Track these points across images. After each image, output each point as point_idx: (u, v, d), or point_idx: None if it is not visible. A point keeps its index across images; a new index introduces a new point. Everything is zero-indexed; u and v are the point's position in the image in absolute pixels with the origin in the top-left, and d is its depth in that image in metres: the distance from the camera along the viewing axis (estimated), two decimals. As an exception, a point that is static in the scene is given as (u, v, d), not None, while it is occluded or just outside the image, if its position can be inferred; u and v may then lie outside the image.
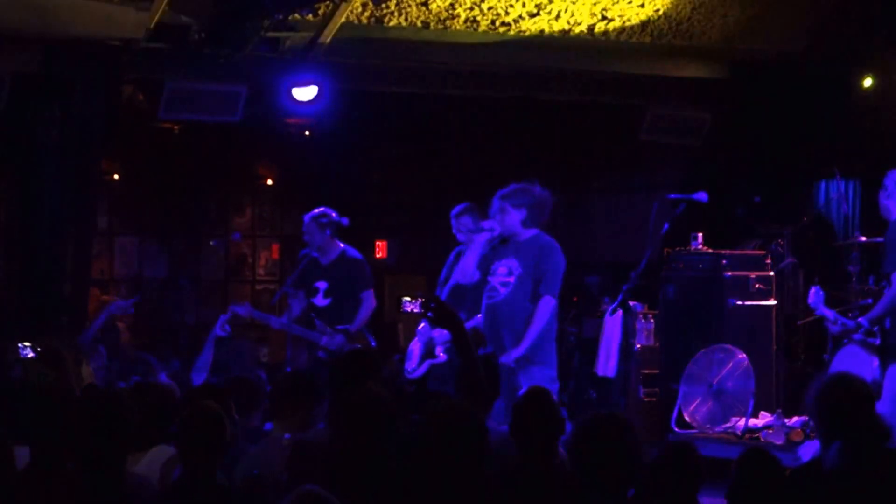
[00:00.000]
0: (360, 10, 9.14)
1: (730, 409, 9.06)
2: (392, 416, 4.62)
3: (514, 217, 7.99)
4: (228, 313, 9.01)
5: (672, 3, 9.68)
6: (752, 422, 8.90)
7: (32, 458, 4.44)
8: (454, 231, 8.73)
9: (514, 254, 8.00)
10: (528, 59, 10.06)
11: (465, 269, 8.18)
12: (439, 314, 5.39)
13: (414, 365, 8.76)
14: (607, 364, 10.35)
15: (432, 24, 9.31)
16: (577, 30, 9.60)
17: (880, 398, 7.36)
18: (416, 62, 10.02)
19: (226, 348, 10.56)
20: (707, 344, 9.37)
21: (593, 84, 10.78)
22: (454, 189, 12.24)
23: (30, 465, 4.43)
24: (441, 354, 8.73)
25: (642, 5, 9.59)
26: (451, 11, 9.28)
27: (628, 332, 10.09)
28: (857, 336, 7.98)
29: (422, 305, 5.46)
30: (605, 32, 9.63)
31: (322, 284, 9.25)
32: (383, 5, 9.03)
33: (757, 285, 9.68)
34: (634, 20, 9.65)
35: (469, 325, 8.25)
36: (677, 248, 10.01)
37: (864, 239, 8.97)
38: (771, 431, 8.64)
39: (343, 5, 8.90)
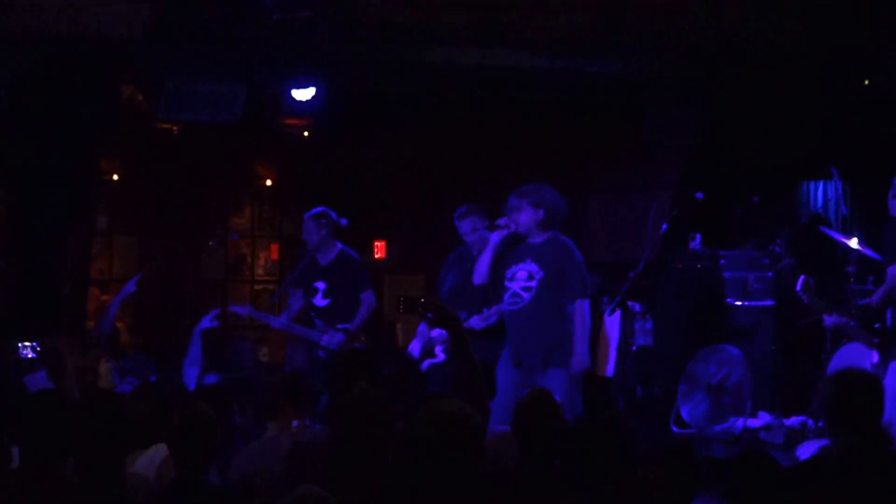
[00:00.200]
0: (359, 9, 9.16)
1: (728, 409, 9.08)
2: (389, 416, 4.64)
3: (531, 216, 7.89)
4: (217, 310, 9.01)
5: (671, 3, 9.70)
6: (751, 422, 8.93)
7: (22, 459, 4.45)
8: (460, 232, 8.73)
9: (532, 257, 7.90)
10: (527, 58, 10.07)
11: (479, 269, 8.11)
12: (438, 314, 5.41)
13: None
14: (605, 364, 10.37)
15: (432, 24, 9.32)
16: (576, 30, 9.62)
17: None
18: (416, 62, 10.03)
19: (226, 348, 10.59)
20: (705, 344, 9.40)
21: (593, 84, 10.79)
22: (453, 189, 12.28)
23: (20, 465, 4.44)
24: (440, 354, 8.75)
25: (642, 6, 9.61)
26: (450, 11, 9.30)
27: (626, 332, 10.12)
28: (851, 324, 7.98)
29: (421, 306, 5.46)
30: (605, 33, 9.64)
31: (321, 285, 9.27)
32: (383, 6, 9.04)
33: (755, 285, 9.70)
34: (634, 21, 9.67)
35: (468, 324, 8.28)
36: (676, 249, 10.03)
37: (858, 247, 8.97)
38: (769, 431, 8.66)
39: (343, 5, 8.92)
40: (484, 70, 10.28)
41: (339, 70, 9.80)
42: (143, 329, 12.75)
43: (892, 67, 9.89)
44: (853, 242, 8.66)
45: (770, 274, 9.67)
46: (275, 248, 14.04)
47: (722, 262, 9.81)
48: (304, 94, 9.82)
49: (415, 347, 8.90)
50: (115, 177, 12.79)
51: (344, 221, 9.33)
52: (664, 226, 8.96)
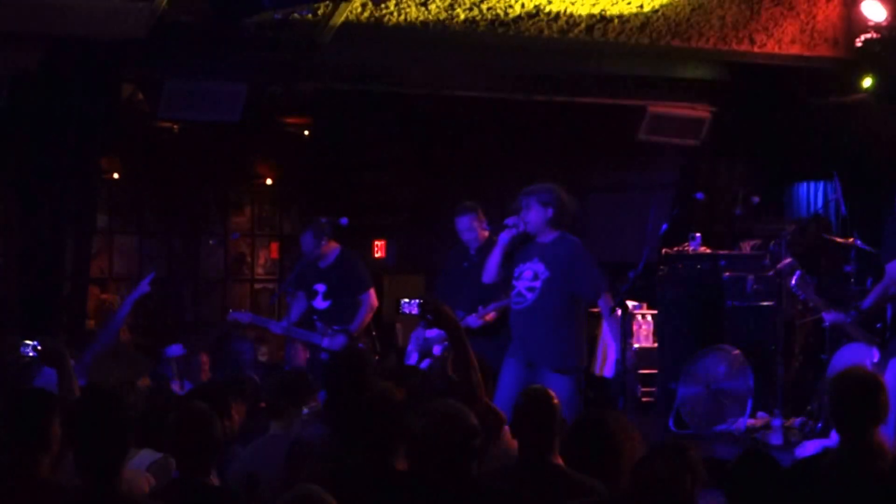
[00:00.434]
0: (359, 10, 9.15)
1: (728, 410, 9.08)
2: (396, 410, 4.63)
3: (540, 215, 7.85)
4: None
5: (671, 3, 9.70)
6: (751, 422, 8.92)
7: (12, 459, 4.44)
8: (457, 230, 8.72)
9: (539, 257, 7.88)
10: (526, 59, 10.07)
11: (489, 268, 8.09)
12: (437, 315, 5.41)
13: (412, 364, 8.78)
14: (605, 364, 10.37)
15: (432, 24, 9.31)
16: (576, 31, 9.61)
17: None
18: (416, 63, 10.02)
19: (226, 348, 10.59)
20: (705, 344, 9.39)
21: (593, 84, 10.79)
22: (453, 189, 12.28)
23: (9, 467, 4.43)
24: (439, 353, 8.75)
25: (641, 6, 9.60)
26: (450, 12, 9.29)
27: (626, 332, 10.11)
28: (848, 320, 7.97)
29: (419, 307, 5.48)
30: (605, 33, 9.63)
31: (321, 287, 9.27)
32: (383, 5, 9.03)
33: (755, 286, 9.69)
34: (633, 21, 9.67)
35: (464, 323, 8.28)
36: (676, 249, 10.03)
37: (859, 242, 8.98)
38: (769, 431, 8.66)
39: (343, 5, 8.91)
40: (484, 70, 10.28)
41: (338, 70, 9.80)
42: (143, 328, 12.74)
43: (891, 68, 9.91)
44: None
45: (770, 274, 9.67)
46: (275, 247, 14.05)
47: (722, 262, 9.81)
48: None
49: (412, 352, 8.92)
50: (116, 176, 12.79)
51: (344, 221, 9.33)
52: (664, 226, 8.96)
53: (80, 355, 7.43)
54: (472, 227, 8.67)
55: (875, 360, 7.76)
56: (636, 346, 10.44)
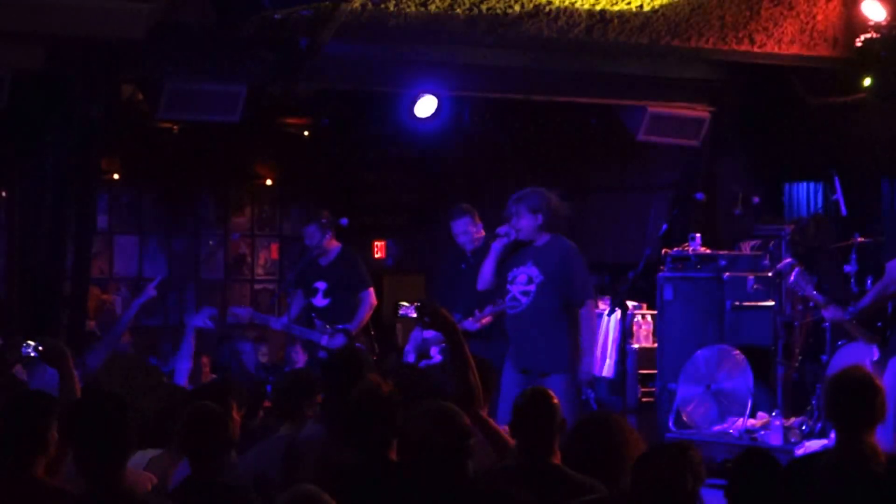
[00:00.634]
0: (359, 10, 9.15)
1: (728, 410, 9.08)
2: (385, 403, 4.64)
3: (531, 221, 7.86)
4: (212, 310, 8.96)
5: (671, 3, 9.70)
6: (750, 422, 8.92)
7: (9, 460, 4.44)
8: (453, 233, 8.73)
9: (532, 261, 7.88)
10: (526, 59, 10.07)
11: (483, 276, 8.10)
12: (434, 318, 5.41)
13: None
14: (605, 364, 10.37)
15: (431, 24, 9.31)
16: (575, 31, 9.61)
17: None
18: (415, 62, 10.03)
19: (226, 348, 10.59)
20: (705, 344, 9.39)
21: (593, 84, 10.79)
22: (453, 190, 12.29)
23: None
24: (436, 356, 8.76)
25: (641, 6, 9.60)
26: (449, 12, 9.29)
27: (626, 333, 10.13)
28: (847, 317, 7.97)
29: (417, 310, 5.47)
30: (604, 33, 9.64)
31: (321, 285, 9.28)
32: (382, 5, 9.03)
33: (755, 286, 9.69)
34: (633, 21, 9.67)
35: (462, 326, 8.28)
36: (676, 249, 10.03)
37: (861, 239, 8.97)
38: (769, 431, 8.66)
39: (343, 5, 8.91)
40: (483, 70, 10.28)
41: (338, 70, 9.80)
42: (143, 328, 12.74)
43: (891, 67, 9.91)
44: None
45: (770, 274, 9.67)
46: (275, 247, 14.04)
47: (722, 262, 9.81)
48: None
49: (409, 352, 8.92)
50: (116, 176, 12.79)
51: (344, 221, 9.34)
52: (664, 226, 8.96)
53: (80, 356, 7.43)
54: (467, 230, 8.69)
55: (875, 358, 7.77)
56: (636, 346, 10.45)
